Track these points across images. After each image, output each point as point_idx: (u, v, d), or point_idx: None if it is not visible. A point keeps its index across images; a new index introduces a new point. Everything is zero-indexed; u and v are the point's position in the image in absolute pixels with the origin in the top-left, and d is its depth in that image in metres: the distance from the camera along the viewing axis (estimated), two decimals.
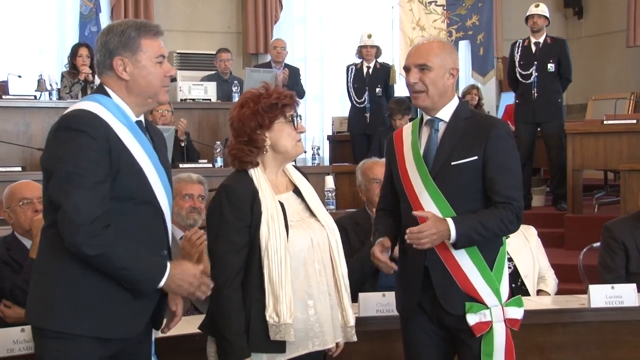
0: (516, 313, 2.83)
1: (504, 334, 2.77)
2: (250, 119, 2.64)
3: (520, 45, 7.68)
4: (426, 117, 2.89)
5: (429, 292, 2.80)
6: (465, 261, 2.77)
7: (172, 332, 3.22)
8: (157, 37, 2.52)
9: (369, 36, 8.44)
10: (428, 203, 2.77)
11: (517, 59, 7.62)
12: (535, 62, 7.51)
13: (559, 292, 4.21)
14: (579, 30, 10.93)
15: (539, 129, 7.57)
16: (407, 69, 2.83)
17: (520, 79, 7.59)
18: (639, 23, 9.85)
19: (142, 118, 2.57)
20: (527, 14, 7.70)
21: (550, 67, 7.47)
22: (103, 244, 2.33)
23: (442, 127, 2.87)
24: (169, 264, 2.46)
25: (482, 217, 2.73)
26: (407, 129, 2.95)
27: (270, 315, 2.54)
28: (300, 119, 2.72)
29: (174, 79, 8.24)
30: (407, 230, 2.68)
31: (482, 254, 2.78)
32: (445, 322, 2.82)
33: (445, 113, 2.87)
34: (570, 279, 4.59)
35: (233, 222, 2.58)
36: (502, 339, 2.76)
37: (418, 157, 2.83)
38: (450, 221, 2.69)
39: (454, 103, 2.89)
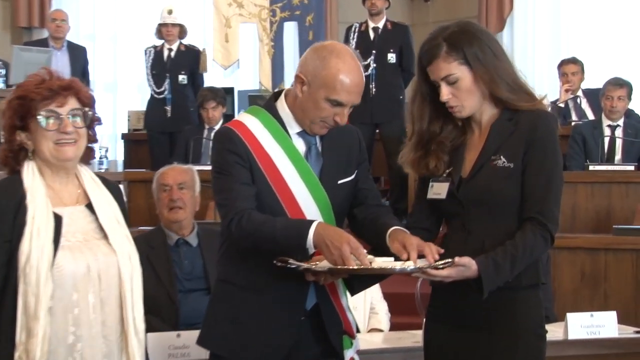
0: (359, 343, 3.15)
1: None
2: (9, 116, 2.62)
3: (357, 30, 7.91)
4: (298, 128, 2.94)
5: (306, 333, 2.93)
6: (340, 290, 2.97)
7: None
8: None
9: (170, 12, 8.40)
10: (314, 214, 2.88)
11: (353, 47, 7.82)
12: (374, 51, 7.77)
13: (392, 326, 4.35)
14: (425, 15, 11.40)
15: (377, 131, 7.82)
16: (337, 103, 2.86)
17: None
18: (493, 9, 10.49)
19: None
20: None
21: (391, 57, 7.74)
22: None
23: (317, 139, 2.97)
24: None
25: None
26: (257, 129, 2.94)
27: (19, 355, 2.47)
28: (84, 117, 2.65)
29: None
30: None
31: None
32: None
33: None
34: (406, 311, 4.75)
35: None
36: None
37: (304, 166, 2.91)
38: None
39: None
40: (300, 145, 2.93)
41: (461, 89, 2.76)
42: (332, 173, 2.94)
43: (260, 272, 2.87)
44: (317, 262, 2.73)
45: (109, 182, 2.82)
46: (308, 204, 2.88)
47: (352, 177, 2.99)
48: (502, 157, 2.76)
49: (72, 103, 2.64)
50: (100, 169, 6.68)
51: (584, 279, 5.64)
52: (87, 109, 2.67)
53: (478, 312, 2.76)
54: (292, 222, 2.81)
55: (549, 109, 7.50)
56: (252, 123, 2.93)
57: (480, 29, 2.84)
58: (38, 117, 2.61)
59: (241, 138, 2.88)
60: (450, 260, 2.62)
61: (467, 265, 2.63)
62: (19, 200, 2.56)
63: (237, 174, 2.85)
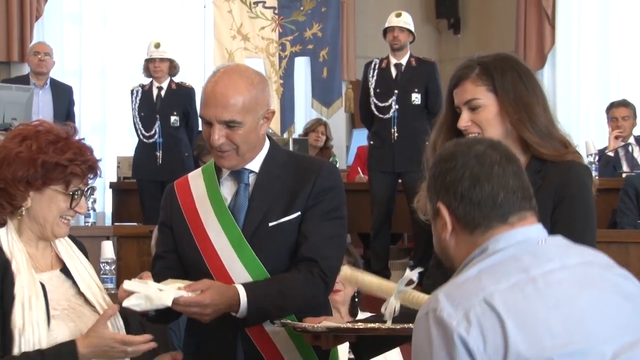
0: None
1: None
2: (22, 165, 2.63)
3: (377, 67, 7.97)
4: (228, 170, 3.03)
5: None
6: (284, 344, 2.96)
7: None
8: None
9: (157, 45, 8.44)
10: (239, 272, 2.92)
11: (373, 86, 7.91)
12: (396, 91, 7.82)
13: None
14: (455, 50, 11.52)
15: (400, 181, 7.87)
16: (206, 121, 2.90)
17: (377, 113, 7.88)
18: (532, 43, 10.57)
19: None
20: (386, 25, 8.00)
21: (415, 98, 7.79)
22: None
23: (252, 179, 3.02)
24: None
25: (279, 281, 2.91)
26: (195, 178, 3.08)
27: None
28: (90, 194, 2.78)
29: None
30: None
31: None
32: None
33: (256, 162, 3.02)
34: None
35: None
36: None
37: (227, 218, 2.97)
38: (239, 287, 2.83)
39: (265, 148, 3.04)
40: (229, 188, 3.02)
41: (482, 119, 2.77)
42: (261, 214, 2.96)
43: (193, 334, 3.04)
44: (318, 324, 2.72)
45: (74, 239, 2.88)
46: (231, 261, 2.93)
47: (294, 216, 2.96)
48: None
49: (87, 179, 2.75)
50: (87, 222, 6.74)
51: None
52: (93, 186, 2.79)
53: None
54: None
55: (595, 159, 7.61)
56: (195, 176, 3.09)
57: (520, 63, 2.88)
58: (71, 194, 2.68)
59: (174, 194, 3.06)
60: None
61: None
62: (2, 265, 2.61)
63: (159, 240, 3.14)
